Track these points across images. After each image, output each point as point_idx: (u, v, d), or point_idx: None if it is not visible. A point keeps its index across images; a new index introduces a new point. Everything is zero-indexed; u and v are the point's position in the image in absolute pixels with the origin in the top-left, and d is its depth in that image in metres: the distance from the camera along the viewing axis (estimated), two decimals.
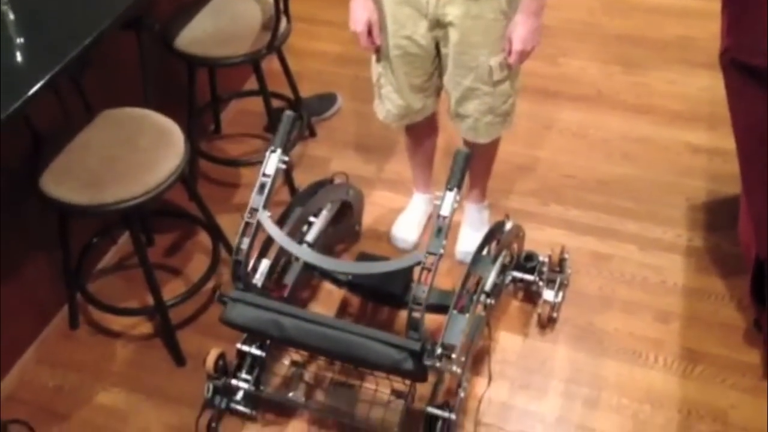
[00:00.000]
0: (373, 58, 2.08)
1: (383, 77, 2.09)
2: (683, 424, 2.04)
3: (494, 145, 2.23)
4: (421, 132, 2.32)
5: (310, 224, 2.21)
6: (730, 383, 2.12)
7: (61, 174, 1.92)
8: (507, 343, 2.25)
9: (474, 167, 2.20)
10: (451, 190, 1.66)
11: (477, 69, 1.95)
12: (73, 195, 1.88)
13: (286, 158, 1.83)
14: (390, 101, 2.12)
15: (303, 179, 2.66)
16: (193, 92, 2.53)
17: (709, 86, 3.06)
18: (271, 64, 2.70)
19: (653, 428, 2.03)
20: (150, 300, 2.17)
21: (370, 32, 1.97)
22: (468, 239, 2.39)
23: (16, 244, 2.14)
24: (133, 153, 1.98)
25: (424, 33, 1.93)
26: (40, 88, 1.72)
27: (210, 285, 2.36)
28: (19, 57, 1.83)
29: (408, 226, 2.52)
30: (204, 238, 2.54)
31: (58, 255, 2.18)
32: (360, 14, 1.95)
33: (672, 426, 2.03)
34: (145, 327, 2.35)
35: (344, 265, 2.20)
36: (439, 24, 1.91)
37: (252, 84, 2.81)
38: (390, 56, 2.01)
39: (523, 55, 1.91)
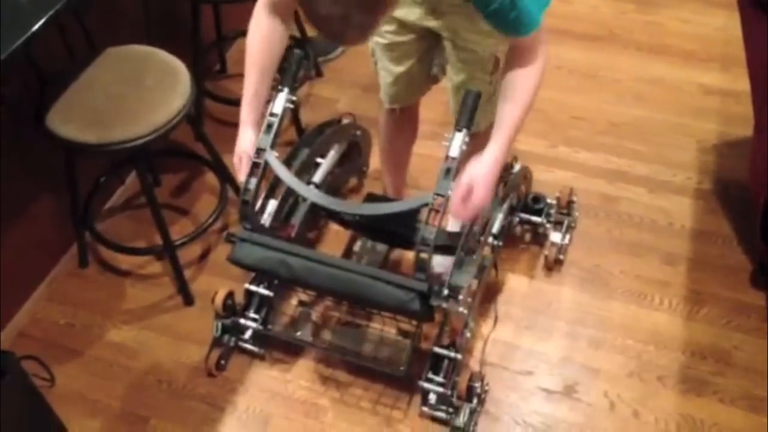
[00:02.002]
0: None
1: (377, 51, 1.97)
2: (686, 364, 2.06)
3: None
4: (401, 124, 2.17)
5: (318, 165, 2.20)
6: (735, 325, 2.13)
7: (68, 112, 1.91)
8: (513, 284, 2.26)
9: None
10: (460, 130, 1.64)
11: (481, 61, 1.80)
12: (80, 133, 1.87)
13: (294, 98, 1.80)
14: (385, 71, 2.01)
15: (310, 120, 2.65)
16: (197, 30, 2.48)
17: (724, 26, 3.00)
18: None
19: (657, 368, 2.05)
20: (158, 240, 2.18)
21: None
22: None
23: (25, 182, 2.14)
24: (139, 91, 1.96)
25: (416, 20, 1.79)
26: (44, 25, 1.69)
27: (218, 225, 2.37)
28: None
29: None
30: (211, 178, 2.54)
31: (66, 194, 2.18)
32: (245, 143, 1.69)
33: (675, 366, 2.05)
34: (153, 266, 2.37)
35: (352, 206, 2.19)
36: (435, 12, 1.76)
37: None
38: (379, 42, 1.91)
39: (476, 212, 1.59)
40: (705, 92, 2.79)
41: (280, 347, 2.14)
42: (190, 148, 2.56)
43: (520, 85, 1.57)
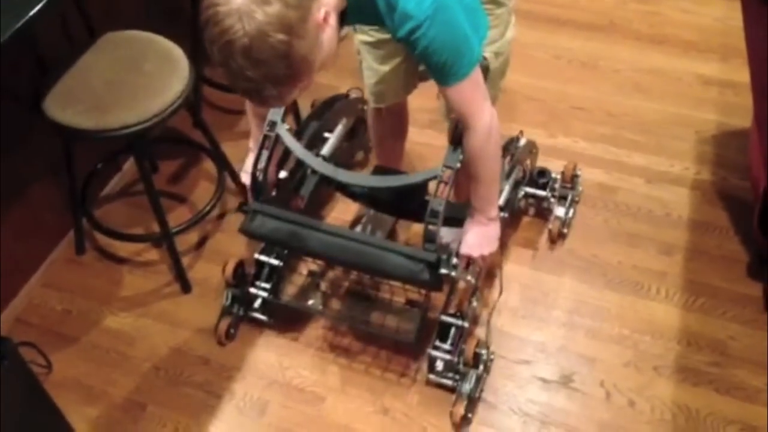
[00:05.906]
0: None
1: (362, 50, 1.95)
2: (682, 354, 2.06)
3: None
4: (389, 122, 2.16)
5: (325, 139, 2.20)
6: (731, 315, 2.14)
7: (66, 98, 1.90)
8: (511, 273, 2.26)
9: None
10: None
11: None
12: (78, 119, 1.86)
13: None
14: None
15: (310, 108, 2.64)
16: (196, 16, 2.46)
17: (723, 16, 3.00)
18: None
19: (653, 358, 2.06)
20: (155, 227, 2.18)
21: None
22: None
23: (22, 168, 2.13)
24: (138, 77, 1.95)
25: None
26: (42, 10, 1.68)
27: (215, 212, 2.37)
28: None
29: None
30: (209, 165, 2.53)
31: (64, 180, 2.18)
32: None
33: (671, 356, 2.06)
34: (150, 254, 2.37)
35: (361, 178, 2.17)
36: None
37: None
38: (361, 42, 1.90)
39: (473, 259, 1.78)
40: (704, 83, 2.79)
41: (289, 316, 2.14)
42: (188, 135, 2.55)
43: (472, 165, 1.65)
